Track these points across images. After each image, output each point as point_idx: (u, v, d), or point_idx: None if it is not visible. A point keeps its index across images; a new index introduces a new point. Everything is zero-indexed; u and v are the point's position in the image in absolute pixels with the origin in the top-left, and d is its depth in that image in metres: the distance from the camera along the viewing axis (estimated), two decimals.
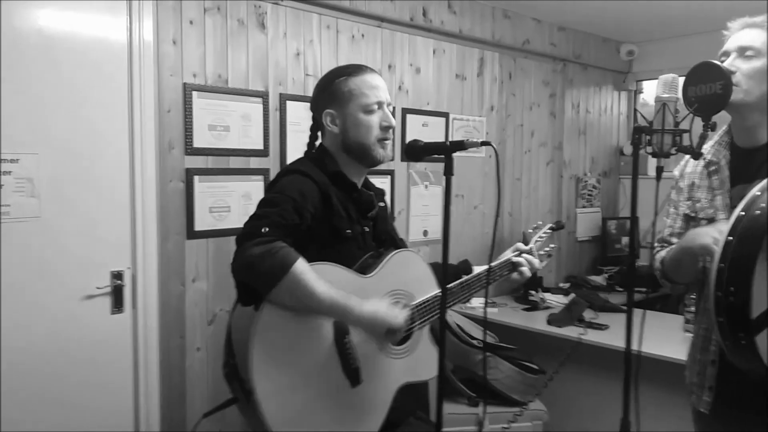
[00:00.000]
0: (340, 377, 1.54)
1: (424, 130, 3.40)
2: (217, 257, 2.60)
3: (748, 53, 1.53)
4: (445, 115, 3.53)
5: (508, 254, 1.94)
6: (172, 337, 2.52)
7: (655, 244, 1.81)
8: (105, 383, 2.34)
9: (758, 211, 1.26)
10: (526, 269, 1.88)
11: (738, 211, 1.29)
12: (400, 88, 3.30)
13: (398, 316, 1.54)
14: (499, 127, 3.88)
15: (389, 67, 3.23)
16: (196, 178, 2.52)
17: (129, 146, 2.36)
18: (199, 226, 2.54)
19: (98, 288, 2.31)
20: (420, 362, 1.70)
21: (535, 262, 1.90)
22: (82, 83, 2.24)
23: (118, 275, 2.35)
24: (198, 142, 2.52)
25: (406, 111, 3.32)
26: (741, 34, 1.57)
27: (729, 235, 1.27)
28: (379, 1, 3.11)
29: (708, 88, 1.44)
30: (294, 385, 1.48)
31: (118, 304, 2.36)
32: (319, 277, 1.46)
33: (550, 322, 3.15)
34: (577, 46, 4.34)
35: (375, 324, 1.51)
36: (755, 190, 1.31)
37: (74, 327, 2.26)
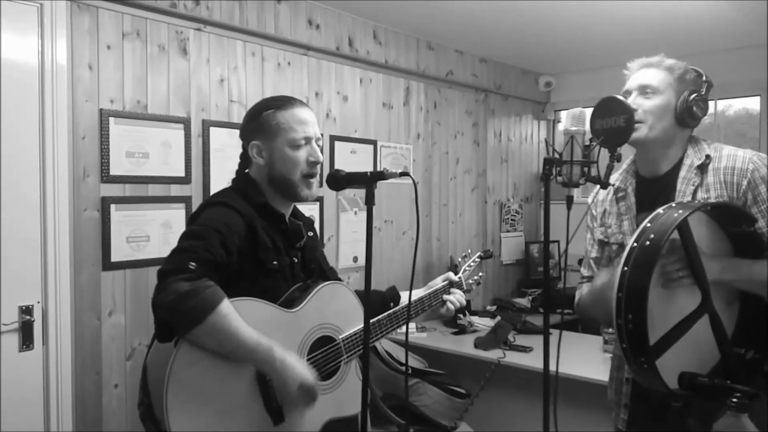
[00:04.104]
0: (262, 415, 1.50)
1: (352, 157, 3.42)
2: (135, 289, 2.50)
3: (648, 91, 1.64)
4: (373, 142, 3.58)
5: (438, 283, 1.98)
6: (87, 374, 2.39)
7: (581, 270, 1.88)
8: (13, 426, 2.18)
9: (648, 242, 1.33)
10: (452, 306, 1.94)
11: (631, 242, 1.37)
12: (327, 115, 3.31)
13: (312, 379, 1.51)
14: (425, 155, 3.96)
15: (316, 94, 3.24)
16: (112, 206, 2.42)
17: (40, 174, 2.25)
18: (115, 257, 2.44)
19: (5, 324, 2.16)
20: (346, 397, 1.68)
21: (462, 300, 1.96)
22: None
23: (27, 310, 2.22)
24: (115, 170, 2.43)
25: (334, 138, 3.33)
26: (640, 74, 1.68)
27: (624, 265, 1.34)
28: (304, 30, 3.14)
29: (613, 121, 1.53)
30: (213, 425, 1.43)
31: (27, 341, 2.22)
32: (243, 321, 1.43)
33: (477, 345, 3.20)
34: (498, 77, 4.52)
35: (293, 374, 1.48)
36: (646, 222, 1.39)
37: None
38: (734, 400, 1.16)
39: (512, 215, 4.73)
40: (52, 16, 2.26)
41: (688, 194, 1.61)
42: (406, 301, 1.85)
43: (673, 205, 1.44)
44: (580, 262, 1.92)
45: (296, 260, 1.70)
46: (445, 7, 3.27)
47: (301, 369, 1.49)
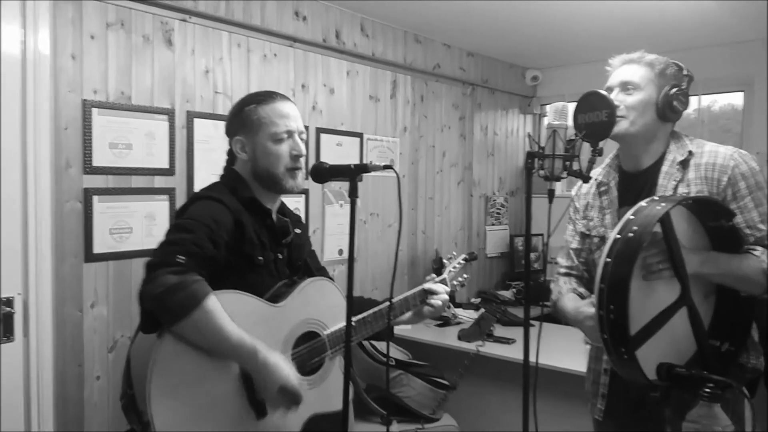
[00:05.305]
0: (245, 408, 1.51)
1: (338, 150, 3.41)
2: (118, 281, 2.48)
3: (629, 88, 1.66)
4: (360, 135, 3.57)
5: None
6: (68, 367, 2.38)
7: (558, 259, 1.91)
8: None
9: (630, 234, 1.35)
10: (436, 302, 1.92)
11: (614, 234, 1.39)
12: (314, 107, 3.30)
13: (295, 381, 1.51)
14: (412, 148, 3.97)
15: (303, 86, 3.23)
16: (95, 198, 2.40)
17: (21, 164, 2.21)
18: (98, 249, 2.42)
19: None
20: (330, 392, 1.68)
21: (445, 298, 1.94)
22: None
23: (7, 302, 2.19)
24: (98, 161, 2.41)
25: (320, 130, 3.32)
26: (621, 70, 1.70)
27: (607, 257, 1.36)
28: (291, 21, 3.12)
29: (595, 115, 1.55)
30: (195, 416, 1.43)
31: (7, 333, 2.19)
32: (228, 318, 1.43)
33: (460, 337, 3.22)
34: (485, 71, 4.53)
35: (275, 376, 1.48)
36: (629, 214, 1.41)
37: None
38: (707, 390, 1.19)
39: (497, 209, 4.76)
40: (35, 5, 2.23)
41: (669, 189, 1.64)
42: (396, 304, 1.86)
43: (656, 198, 1.46)
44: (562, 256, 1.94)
45: (281, 256, 1.70)
46: (433, 1, 3.27)
47: (284, 372, 1.49)
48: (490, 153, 4.70)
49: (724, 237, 1.55)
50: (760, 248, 1.54)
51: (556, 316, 1.87)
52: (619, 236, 1.37)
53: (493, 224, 4.71)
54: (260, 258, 1.61)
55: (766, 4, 3.15)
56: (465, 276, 2.14)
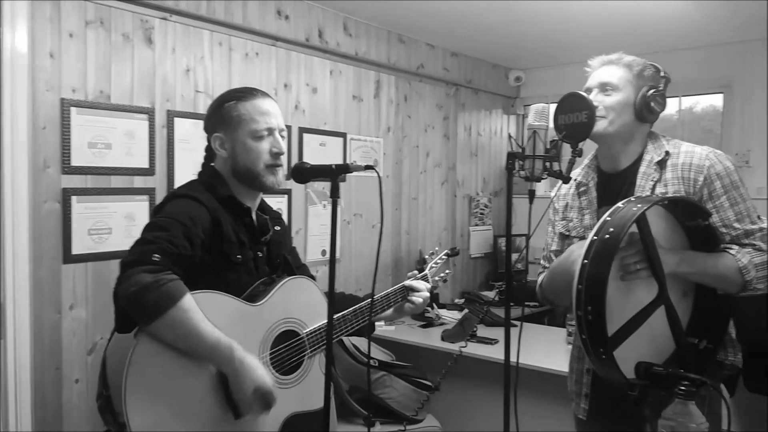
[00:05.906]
0: (223, 408, 1.49)
1: (321, 150, 3.40)
2: (97, 282, 2.46)
3: (608, 89, 1.67)
4: (343, 135, 3.56)
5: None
6: (47, 370, 2.34)
7: (540, 261, 1.92)
8: None
9: (607, 235, 1.36)
10: (417, 299, 1.92)
11: (591, 235, 1.40)
12: (296, 107, 3.29)
13: (269, 383, 1.50)
14: (396, 148, 3.97)
15: (285, 86, 3.22)
16: (73, 198, 2.37)
17: None
18: (76, 250, 2.39)
19: None
20: (310, 391, 1.67)
21: (426, 295, 1.93)
22: None
23: None
24: (76, 161, 2.38)
25: (303, 130, 3.31)
26: (600, 72, 1.71)
27: (584, 258, 1.37)
28: (273, 20, 3.11)
29: (575, 117, 1.56)
30: (172, 417, 1.41)
31: None
32: (205, 318, 1.41)
33: (444, 338, 3.23)
34: (469, 71, 4.54)
35: (251, 376, 1.47)
36: (606, 216, 1.42)
37: None
38: (682, 388, 1.20)
39: (481, 209, 4.78)
40: (12, 3, 2.20)
41: (647, 189, 1.65)
42: (376, 301, 1.85)
43: (632, 199, 1.47)
44: (543, 258, 1.94)
45: (260, 255, 1.69)
46: (417, 1, 3.27)
47: (259, 372, 1.48)
48: (473, 153, 4.71)
49: (702, 236, 1.56)
50: (736, 247, 1.56)
51: (545, 298, 1.84)
52: (596, 237, 1.38)
53: (476, 224, 4.73)
54: (238, 256, 1.60)
55: (765, 7, 3.19)
56: (447, 272, 2.13)
